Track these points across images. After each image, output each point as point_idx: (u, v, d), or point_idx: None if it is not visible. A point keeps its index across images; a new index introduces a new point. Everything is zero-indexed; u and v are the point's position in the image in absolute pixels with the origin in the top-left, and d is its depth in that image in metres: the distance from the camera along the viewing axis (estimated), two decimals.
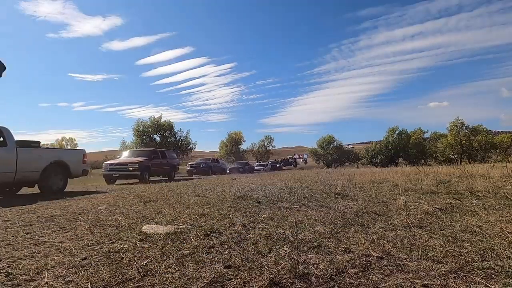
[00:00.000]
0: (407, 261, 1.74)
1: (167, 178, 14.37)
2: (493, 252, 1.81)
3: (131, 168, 11.88)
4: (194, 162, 24.67)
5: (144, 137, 36.44)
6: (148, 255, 1.96)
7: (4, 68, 2.49)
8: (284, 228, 2.59)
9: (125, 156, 14.12)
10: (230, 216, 3.19)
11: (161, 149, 16.52)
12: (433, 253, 1.85)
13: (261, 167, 35.24)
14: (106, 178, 12.11)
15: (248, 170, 28.02)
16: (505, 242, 1.98)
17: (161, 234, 2.46)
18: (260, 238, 2.31)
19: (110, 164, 12.34)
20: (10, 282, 1.58)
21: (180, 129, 40.05)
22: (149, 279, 1.57)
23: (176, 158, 16.32)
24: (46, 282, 1.56)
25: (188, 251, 2.02)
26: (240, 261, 1.82)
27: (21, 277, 1.64)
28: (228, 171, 25.08)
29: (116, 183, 11.92)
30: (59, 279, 1.59)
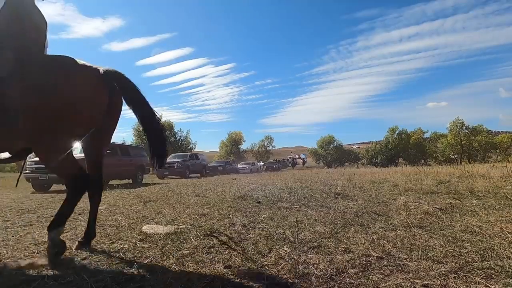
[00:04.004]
0: (407, 261, 1.74)
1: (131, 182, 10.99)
2: (493, 252, 1.81)
3: None
4: (166, 162, 18.17)
5: (144, 137, 36.44)
6: (148, 255, 1.96)
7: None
8: (284, 228, 2.59)
9: None
10: (230, 216, 3.19)
11: (121, 143, 12.31)
12: (433, 253, 1.85)
13: (246, 166, 29.14)
14: (32, 183, 8.32)
15: (229, 170, 23.49)
16: (505, 242, 1.98)
17: (161, 234, 2.46)
18: (260, 238, 2.31)
19: (37, 162, 7.91)
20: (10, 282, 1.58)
21: (180, 129, 40.02)
22: (149, 279, 1.57)
23: (145, 156, 12.54)
24: (46, 282, 1.56)
25: (188, 251, 2.02)
26: (240, 261, 1.82)
27: (21, 277, 1.64)
28: (206, 171, 20.13)
29: (50, 189, 8.28)
30: (59, 279, 1.59)
